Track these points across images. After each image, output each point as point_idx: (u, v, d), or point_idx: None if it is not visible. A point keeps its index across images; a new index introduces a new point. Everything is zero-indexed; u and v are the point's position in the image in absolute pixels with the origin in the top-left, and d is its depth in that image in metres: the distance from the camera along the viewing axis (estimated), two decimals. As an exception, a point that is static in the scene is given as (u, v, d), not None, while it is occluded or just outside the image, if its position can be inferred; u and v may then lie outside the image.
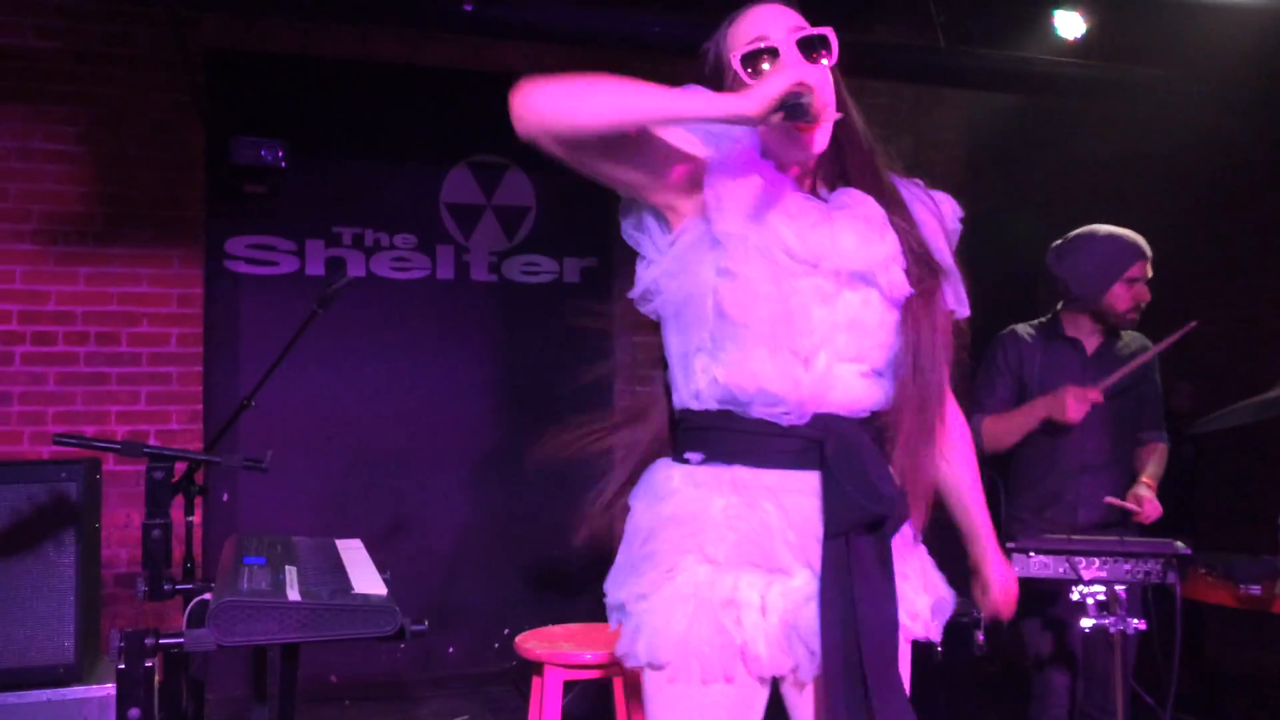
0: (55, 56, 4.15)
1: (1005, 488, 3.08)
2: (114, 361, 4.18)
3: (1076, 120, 4.68)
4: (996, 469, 4.59)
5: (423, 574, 4.64)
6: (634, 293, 1.56)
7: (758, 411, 1.45)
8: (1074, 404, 2.77)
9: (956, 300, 1.58)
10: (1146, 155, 5.26)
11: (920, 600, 1.53)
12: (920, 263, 1.51)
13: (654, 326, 1.58)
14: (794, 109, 1.33)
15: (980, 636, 2.81)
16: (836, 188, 1.55)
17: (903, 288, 1.49)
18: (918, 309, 1.51)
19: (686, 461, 1.50)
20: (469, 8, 3.59)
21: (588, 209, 4.93)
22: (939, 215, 1.59)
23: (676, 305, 1.51)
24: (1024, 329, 3.08)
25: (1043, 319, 3.08)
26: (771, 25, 1.50)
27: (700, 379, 1.47)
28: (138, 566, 4.09)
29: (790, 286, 1.44)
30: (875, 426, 1.51)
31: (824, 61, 1.48)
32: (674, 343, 1.52)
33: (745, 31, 1.52)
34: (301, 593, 1.87)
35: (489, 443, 4.87)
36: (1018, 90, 4.59)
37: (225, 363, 4.50)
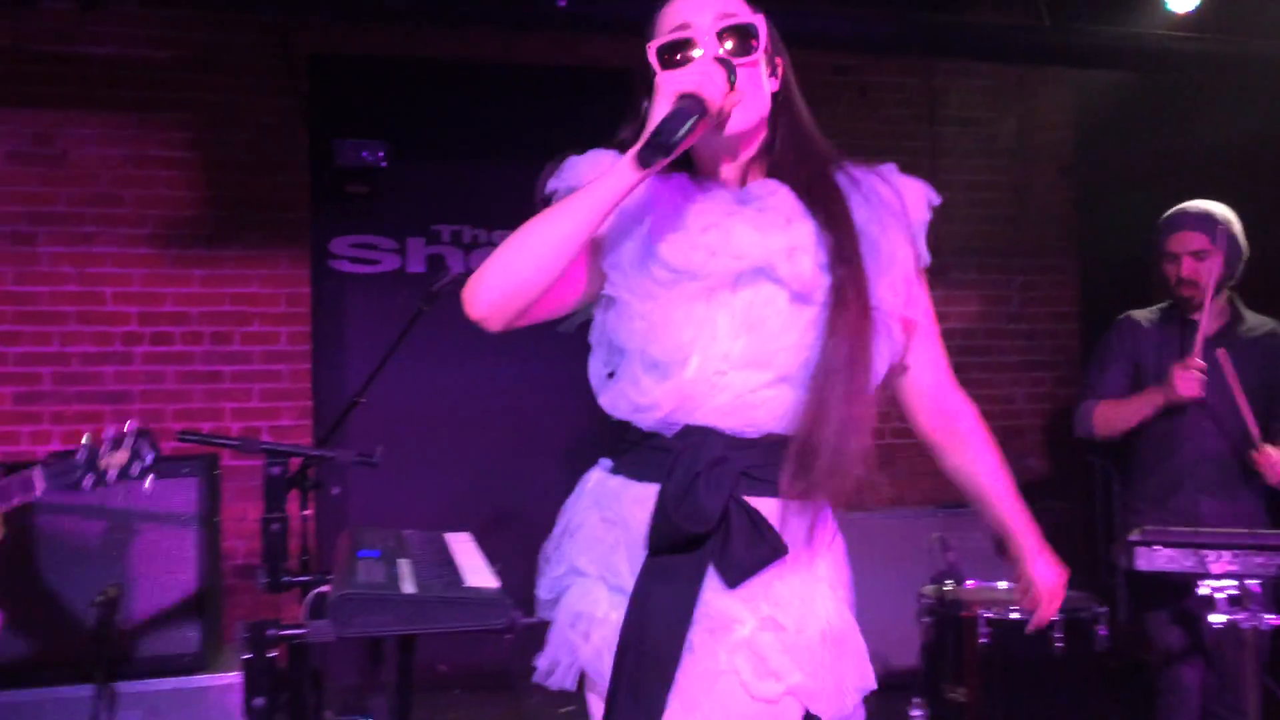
0: (166, 65, 4.29)
1: (1119, 476, 2.99)
2: (228, 360, 4.32)
3: (1194, 98, 4.49)
4: (1110, 457, 4.45)
5: (529, 567, 4.68)
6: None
7: (644, 424, 1.45)
8: (1181, 378, 2.68)
9: (893, 292, 1.43)
10: (1271, 136, 5.04)
11: (774, 654, 1.36)
12: (834, 254, 1.39)
13: None
14: (675, 130, 1.28)
15: (1103, 630, 2.73)
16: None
17: (810, 280, 1.38)
18: (831, 304, 1.39)
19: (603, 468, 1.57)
20: (562, 4, 3.60)
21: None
22: (901, 205, 1.48)
23: (595, 344, 1.56)
24: (1141, 314, 2.98)
25: (1163, 304, 2.97)
26: (697, 12, 1.42)
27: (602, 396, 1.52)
28: (254, 559, 4.23)
29: (667, 298, 1.41)
30: (772, 441, 1.41)
31: (750, 53, 1.40)
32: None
33: (669, 19, 1.45)
34: (416, 585, 1.91)
35: (593, 435, 4.89)
36: (1127, 67, 4.43)
37: (332, 359, 4.61)
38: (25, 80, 4.14)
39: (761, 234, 1.40)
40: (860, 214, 1.44)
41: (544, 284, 1.38)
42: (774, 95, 1.46)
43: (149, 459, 2.26)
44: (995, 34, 4.15)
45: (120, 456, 2.23)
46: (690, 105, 1.28)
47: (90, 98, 4.19)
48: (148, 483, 2.28)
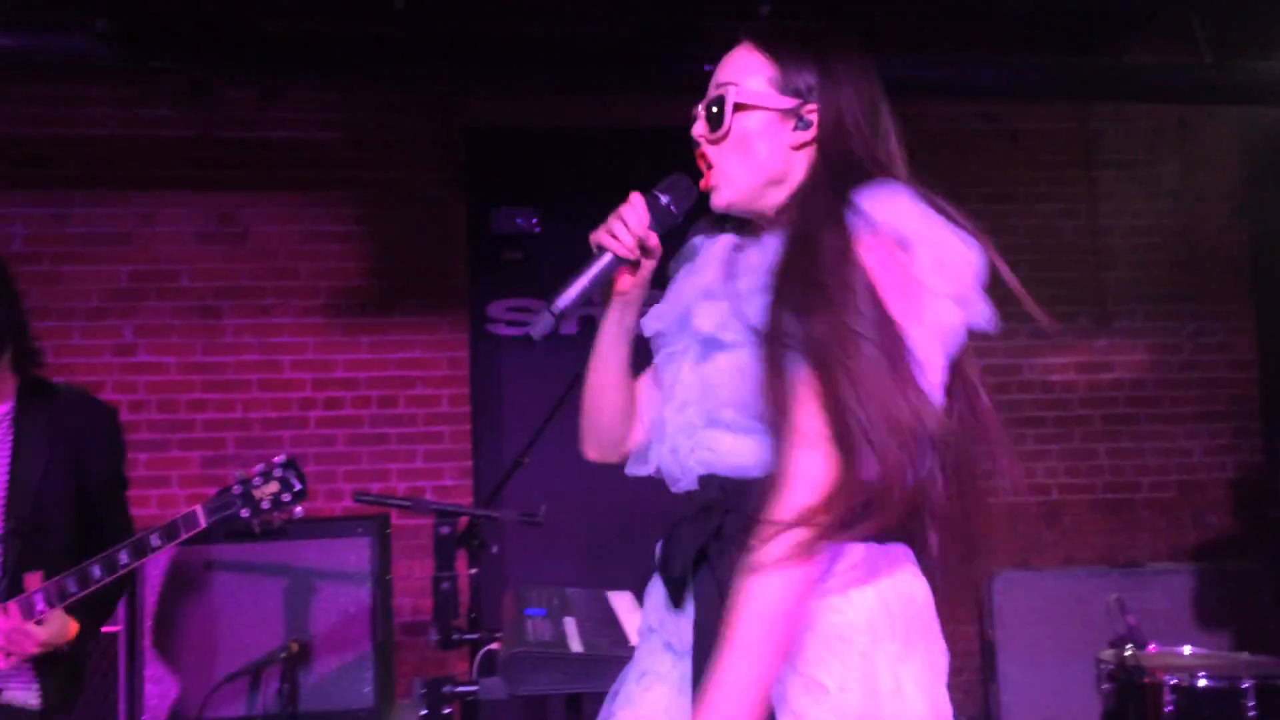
0: (337, 146, 4.56)
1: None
2: (394, 423, 4.50)
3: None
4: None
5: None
6: None
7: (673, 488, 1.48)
8: None
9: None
10: None
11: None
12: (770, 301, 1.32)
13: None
14: (560, 291, 1.44)
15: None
16: None
17: (717, 330, 1.38)
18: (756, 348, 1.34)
19: None
20: (708, 68, 3.67)
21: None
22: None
23: None
24: None
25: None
26: (714, 80, 1.47)
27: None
28: (421, 616, 4.36)
29: (664, 360, 1.49)
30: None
31: (718, 129, 1.42)
32: None
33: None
34: (583, 644, 1.95)
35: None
36: (1296, 102, 4.23)
37: (491, 420, 4.74)
38: (210, 165, 4.46)
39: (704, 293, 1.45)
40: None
41: (614, 418, 1.54)
42: (807, 145, 1.42)
43: (298, 487, 2.39)
44: (1155, 74, 4.03)
45: (271, 487, 2.37)
46: (597, 257, 1.43)
47: (268, 179, 4.49)
48: (299, 509, 2.41)
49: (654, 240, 1.45)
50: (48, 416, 2.32)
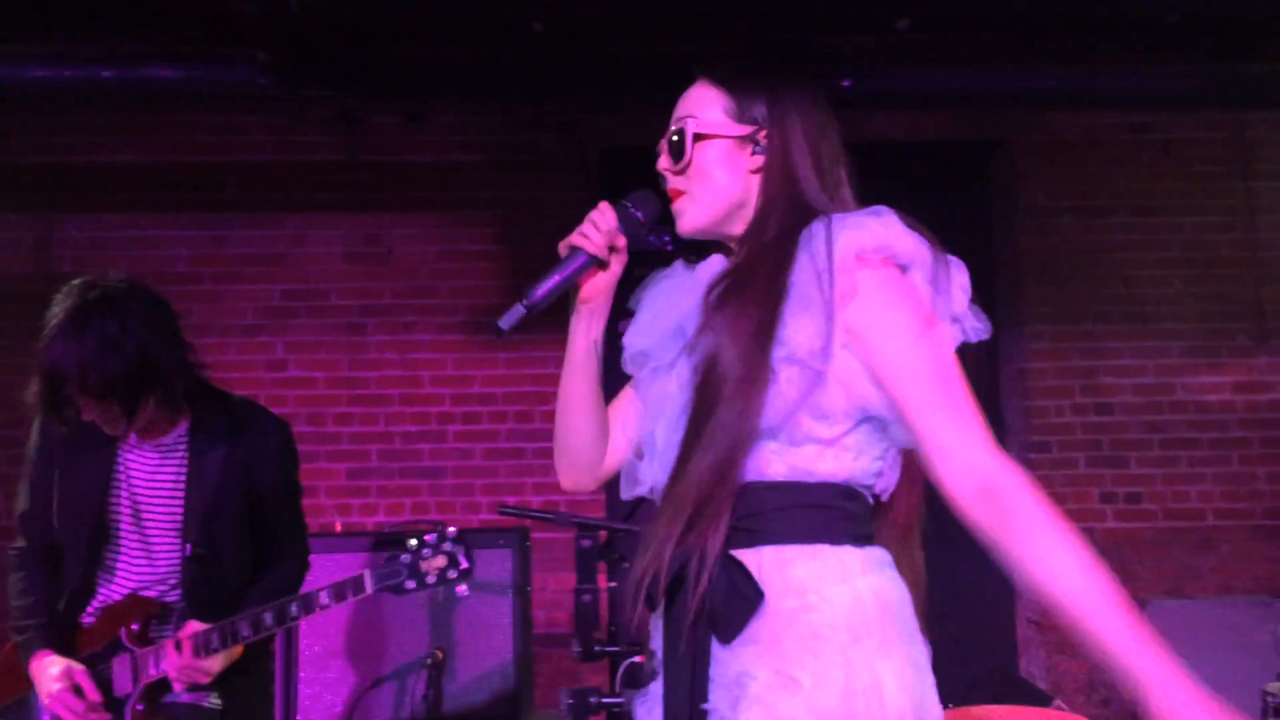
0: (477, 168, 4.68)
1: None
2: (529, 437, 4.58)
3: None
4: None
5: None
6: None
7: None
8: None
9: (801, 333, 1.37)
10: None
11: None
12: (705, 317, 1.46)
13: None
14: (536, 285, 1.51)
15: None
16: None
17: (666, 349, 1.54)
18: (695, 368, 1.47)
19: None
20: (847, 82, 3.65)
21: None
22: (826, 250, 1.38)
23: None
24: None
25: None
26: (674, 115, 1.57)
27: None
28: (555, 628, 4.42)
29: (649, 376, 1.55)
30: (757, 490, 1.41)
31: (679, 161, 1.52)
32: None
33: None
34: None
35: (935, 512, 4.79)
36: None
37: (623, 437, 4.78)
38: (357, 188, 4.64)
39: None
40: (799, 270, 1.41)
41: (588, 439, 1.58)
42: (762, 169, 1.50)
43: (464, 565, 2.37)
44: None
45: (439, 561, 2.35)
46: (569, 257, 1.52)
47: (412, 200, 4.64)
48: (463, 588, 2.40)
49: (622, 242, 1.55)
50: (222, 434, 2.34)
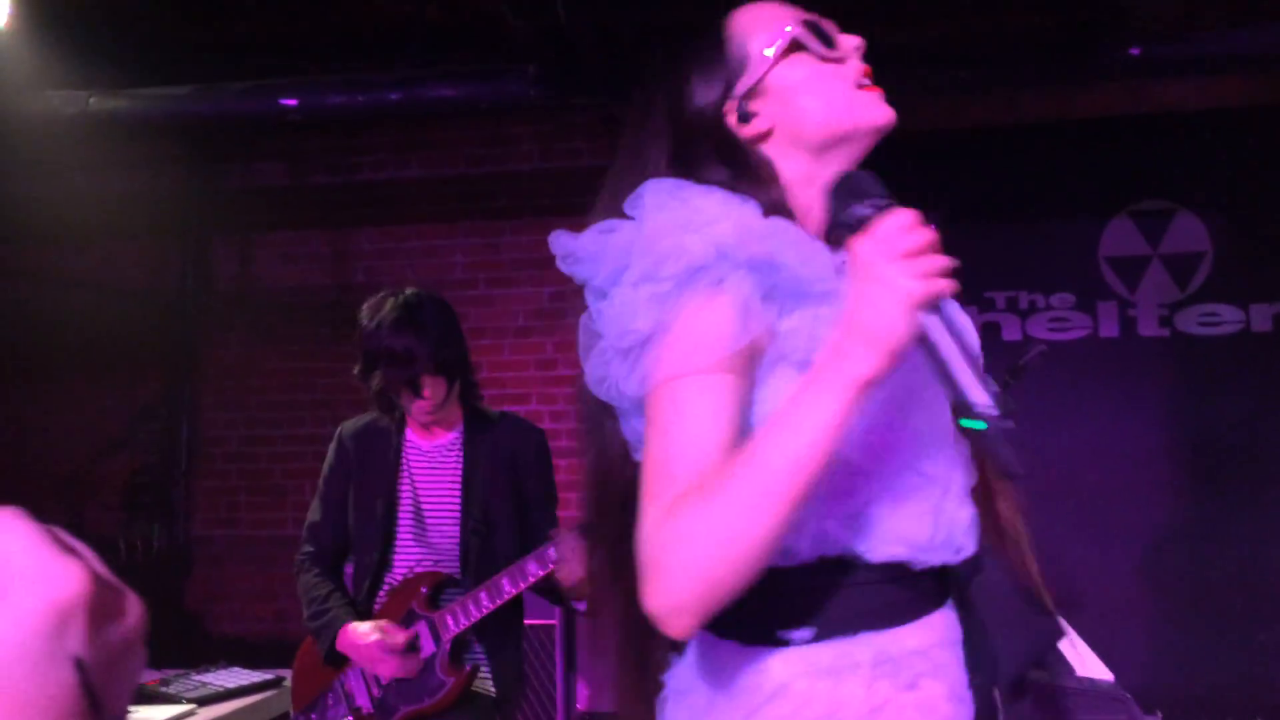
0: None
1: None
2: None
3: None
4: None
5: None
6: None
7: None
8: None
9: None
10: None
11: None
12: None
13: None
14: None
15: None
16: None
17: None
18: None
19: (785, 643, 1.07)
20: (1135, 51, 3.39)
21: (1276, 250, 4.37)
22: None
23: None
24: None
25: None
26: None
27: None
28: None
29: None
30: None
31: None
32: None
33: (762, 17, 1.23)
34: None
35: (1168, 514, 4.45)
36: None
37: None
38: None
39: None
40: None
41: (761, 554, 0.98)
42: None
43: None
44: None
45: None
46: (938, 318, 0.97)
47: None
48: None
49: None
50: (490, 441, 2.60)
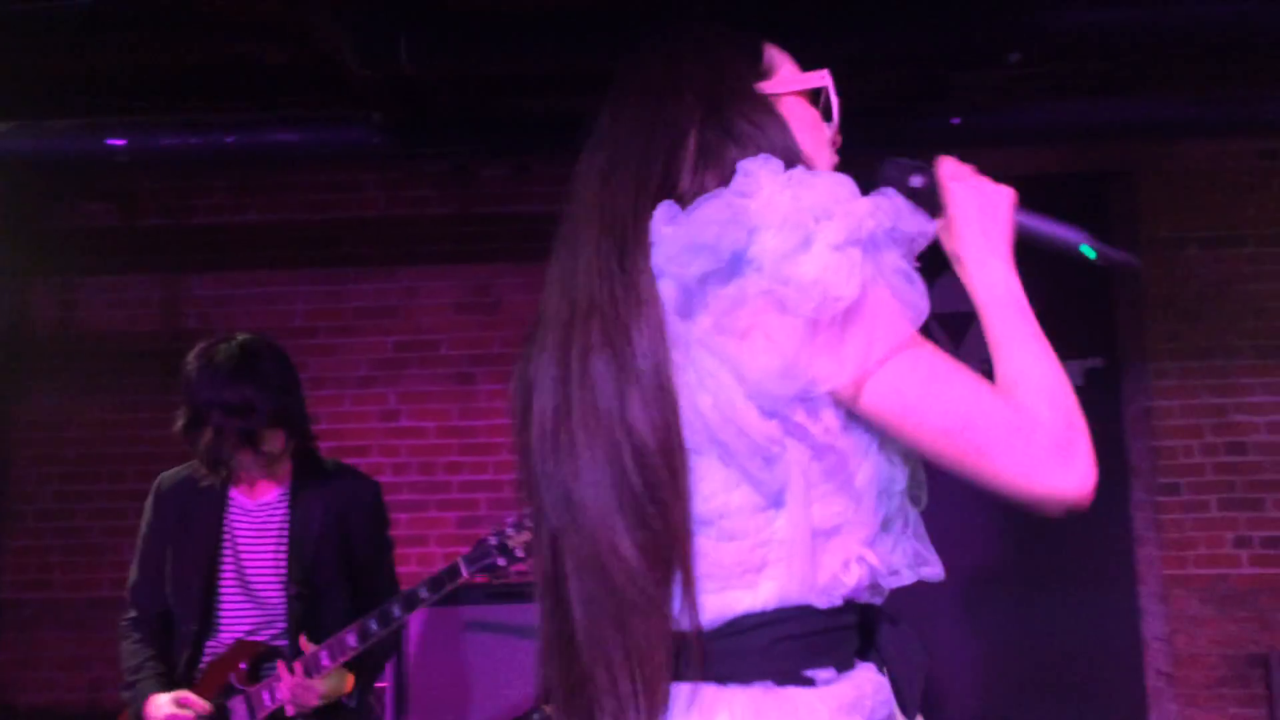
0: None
1: None
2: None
3: None
4: None
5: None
6: None
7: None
8: None
9: None
10: None
11: None
12: None
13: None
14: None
15: None
16: None
17: None
18: None
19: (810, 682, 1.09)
20: (956, 120, 3.57)
21: (1088, 308, 4.66)
22: None
23: None
24: None
25: None
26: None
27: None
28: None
29: None
30: None
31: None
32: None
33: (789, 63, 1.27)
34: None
35: (989, 557, 4.65)
36: None
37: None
38: (467, 240, 4.72)
39: None
40: None
41: None
42: None
43: None
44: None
45: (525, 536, 2.48)
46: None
47: (520, 251, 4.69)
48: None
49: None
50: (320, 497, 2.50)
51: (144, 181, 4.72)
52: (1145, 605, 4.39)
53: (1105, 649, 4.39)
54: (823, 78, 1.24)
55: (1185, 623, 4.28)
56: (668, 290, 1.08)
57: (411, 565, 4.53)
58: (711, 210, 1.06)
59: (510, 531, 2.50)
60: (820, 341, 1.02)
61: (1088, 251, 1.22)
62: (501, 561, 2.48)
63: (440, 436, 4.66)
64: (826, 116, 1.25)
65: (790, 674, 1.07)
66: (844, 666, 1.11)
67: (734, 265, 1.04)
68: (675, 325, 1.07)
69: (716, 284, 1.05)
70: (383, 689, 3.48)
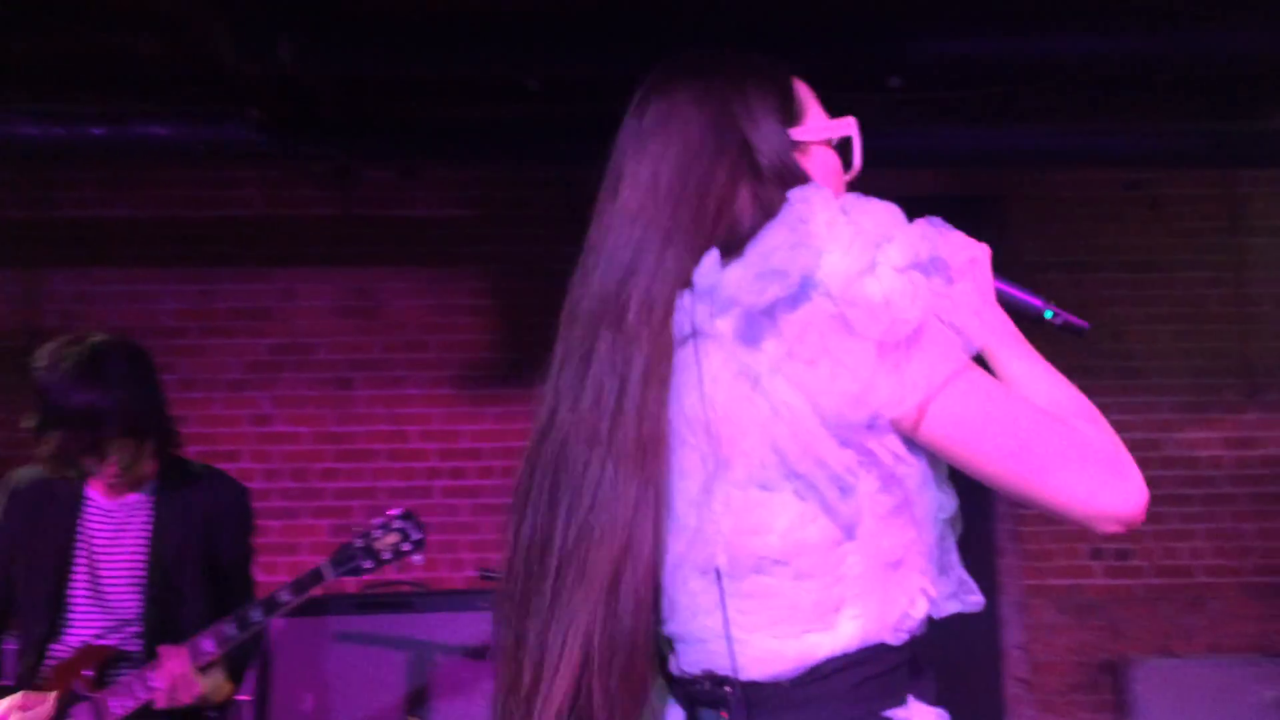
0: (468, 222, 4.69)
1: None
2: (518, 494, 4.53)
3: None
4: None
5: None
6: None
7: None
8: None
9: None
10: None
11: None
12: None
13: None
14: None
15: None
16: None
17: None
18: None
19: None
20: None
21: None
22: None
23: None
24: None
25: None
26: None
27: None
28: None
29: None
30: None
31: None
32: None
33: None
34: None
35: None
36: None
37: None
38: (350, 242, 4.63)
39: None
40: None
41: None
42: None
43: (416, 536, 2.51)
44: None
45: (391, 538, 2.48)
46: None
47: (404, 255, 4.63)
48: (419, 557, 2.53)
49: None
50: (184, 500, 2.41)
51: (3, 172, 4.49)
52: (1005, 614, 4.56)
53: (967, 656, 4.55)
54: (850, 125, 1.24)
55: (1043, 631, 4.46)
56: (726, 325, 1.07)
57: (281, 574, 4.38)
58: (777, 237, 1.05)
59: (377, 534, 2.47)
60: (886, 365, 1.02)
61: (1049, 315, 1.32)
62: (367, 564, 2.46)
63: (315, 442, 4.55)
64: (846, 165, 1.24)
65: (871, 716, 1.07)
66: (902, 703, 1.10)
67: (803, 289, 1.03)
68: (741, 357, 1.06)
69: (785, 309, 1.04)
70: (244, 702, 3.38)
